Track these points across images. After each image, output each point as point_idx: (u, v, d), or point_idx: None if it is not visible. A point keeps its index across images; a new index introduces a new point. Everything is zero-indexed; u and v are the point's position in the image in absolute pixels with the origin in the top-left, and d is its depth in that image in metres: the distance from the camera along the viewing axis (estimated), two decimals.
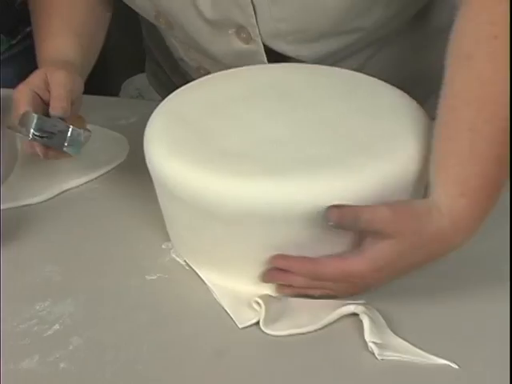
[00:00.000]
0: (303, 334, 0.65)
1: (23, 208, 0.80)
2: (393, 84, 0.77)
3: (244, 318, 0.67)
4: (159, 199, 0.73)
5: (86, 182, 0.85)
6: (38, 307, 0.68)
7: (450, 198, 0.63)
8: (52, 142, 0.76)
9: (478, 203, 0.63)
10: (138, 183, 0.81)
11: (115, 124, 0.95)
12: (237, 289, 0.69)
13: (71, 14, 0.88)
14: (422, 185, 0.70)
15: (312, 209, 0.64)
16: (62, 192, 0.83)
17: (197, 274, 0.72)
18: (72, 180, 0.84)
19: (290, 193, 0.64)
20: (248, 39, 0.83)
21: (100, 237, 0.77)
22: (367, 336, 0.64)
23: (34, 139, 0.75)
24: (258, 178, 0.65)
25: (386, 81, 0.77)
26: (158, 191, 0.72)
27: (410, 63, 0.93)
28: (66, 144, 0.76)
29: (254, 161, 0.67)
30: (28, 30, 1.08)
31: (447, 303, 0.68)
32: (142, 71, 1.19)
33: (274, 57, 0.85)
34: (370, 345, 0.63)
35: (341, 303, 0.67)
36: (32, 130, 0.75)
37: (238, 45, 0.84)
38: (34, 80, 0.78)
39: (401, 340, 0.64)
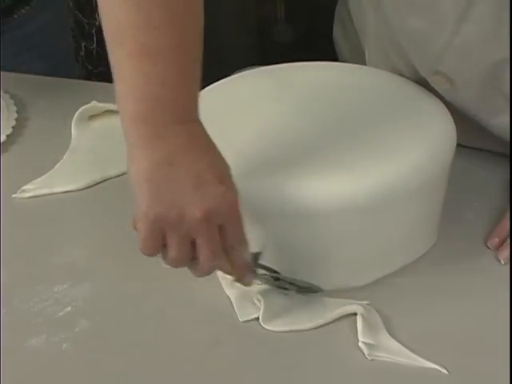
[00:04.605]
0: (301, 331, 0.66)
1: (63, 194, 0.84)
2: None
3: (246, 312, 0.68)
4: None
5: None
6: (56, 289, 0.72)
7: None
8: None
9: None
10: None
11: None
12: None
13: None
14: (430, 191, 0.69)
15: (310, 209, 0.65)
16: (105, 180, 0.86)
17: None
18: (115, 168, 0.87)
19: (285, 193, 0.65)
20: None
21: (128, 225, 0.79)
22: (359, 335, 0.64)
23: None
24: (259, 175, 0.66)
25: None
26: None
27: None
28: None
29: (262, 159, 0.68)
30: None
31: (453, 310, 0.67)
32: (253, 64, 1.18)
33: None
34: (360, 344, 0.63)
35: (342, 302, 0.67)
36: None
37: None
38: None
39: (394, 342, 0.64)
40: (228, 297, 0.70)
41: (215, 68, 0.92)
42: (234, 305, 0.69)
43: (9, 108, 0.96)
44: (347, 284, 0.69)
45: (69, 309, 0.69)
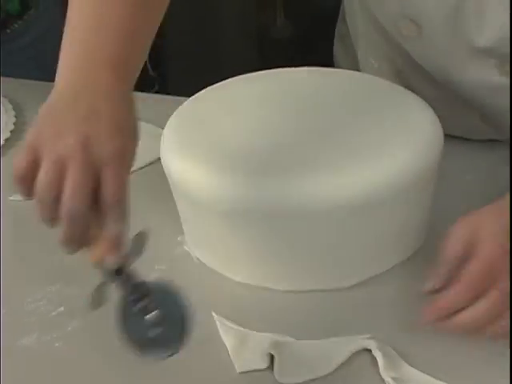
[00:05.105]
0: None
1: None
2: None
3: (245, 363, 0.64)
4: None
5: None
6: (49, 289, 0.73)
7: None
8: None
9: None
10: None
11: None
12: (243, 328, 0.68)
13: None
14: (417, 193, 0.70)
15: (297, 210, 0.66)
16: None
17: (205, 267, 0.74)
18: None
19: (272, 194, 0.66)
20: (507, 72, 0.77)
21: None
22: (382, 371, 0.61)
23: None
24: (252, 177, 0.68)
25: None
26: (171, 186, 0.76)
27: None
28: None
29: (252, 161, 0.69)
30: None
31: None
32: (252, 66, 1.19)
33: None
34: (388, 380, 0.60)
35: (348, 339, 0.65)
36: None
37: (495, 78, 0.79)
38: None
39: (418, 371, 0.61)
40: (220, 299, 0.71)
41: (215, 70, 0.93)
42: (231, 354, 0.65)
43: (7, 112, 0.97)
44: (334, 285, 0.70)
45: (61, 308, 0.71)
